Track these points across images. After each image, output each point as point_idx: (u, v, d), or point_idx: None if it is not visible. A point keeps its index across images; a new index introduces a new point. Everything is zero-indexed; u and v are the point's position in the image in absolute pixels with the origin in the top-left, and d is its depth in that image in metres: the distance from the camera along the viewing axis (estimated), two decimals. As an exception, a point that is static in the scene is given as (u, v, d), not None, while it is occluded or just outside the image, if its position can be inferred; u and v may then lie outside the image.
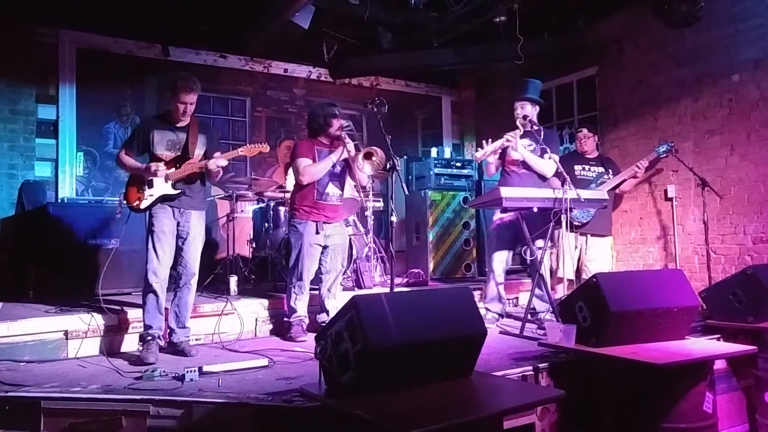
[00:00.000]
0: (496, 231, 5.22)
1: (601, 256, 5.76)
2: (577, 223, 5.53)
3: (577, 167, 5.75)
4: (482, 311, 4.14)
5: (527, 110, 5.15)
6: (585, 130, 5.93)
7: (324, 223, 4.75)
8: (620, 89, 7.13)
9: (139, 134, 4.29)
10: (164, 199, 4.16)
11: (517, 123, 5.13)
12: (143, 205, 4.15)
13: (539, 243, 4.89)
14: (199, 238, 4.31)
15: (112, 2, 6.66)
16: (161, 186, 4.15)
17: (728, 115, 6.02)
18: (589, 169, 5.80)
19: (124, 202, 4.25)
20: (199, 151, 4.27)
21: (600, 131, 7.38)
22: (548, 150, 4.84)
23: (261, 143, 4.48)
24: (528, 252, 4.85)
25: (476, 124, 9.31)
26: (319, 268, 4.83)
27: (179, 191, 4.18)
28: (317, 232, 4.70)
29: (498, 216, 5.18)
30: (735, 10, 5.95)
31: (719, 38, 6.07)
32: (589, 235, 5.71)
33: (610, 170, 5.88)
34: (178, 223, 4.23)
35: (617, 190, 6.04)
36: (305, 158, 4.71)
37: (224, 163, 4.21)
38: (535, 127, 4.98)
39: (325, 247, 4.79)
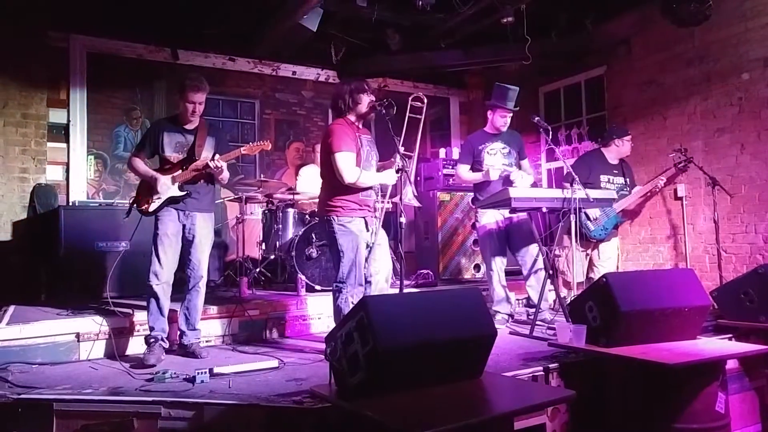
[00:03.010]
0: (488, 235, 5.25)
1: (610, 258, 5.77)
2: (593, 240, 5.58)
3: (603, 178, 5.66)
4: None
5: (509, 117, 5.30)
6: (630, 136, 5.85)
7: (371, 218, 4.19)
8: (629, 89, 7.11)
9: (150, 136, 4.30)
10: (171, 201, 4.18)
11: (502, 129, 5.31)
12: (152, 208, 4.16)
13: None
14: (206, 240, 4.30)
15: (122, 7, 6.71)
16: (169, 189, 4.16)
17: (738, 114, 5.99)
18: (612, 181, 5.71)
19: (135, 205, 4.27)
20: (206, 153, 4.24)
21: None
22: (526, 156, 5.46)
23: (263, 141, 4.44)
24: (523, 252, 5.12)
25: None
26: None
27: (185, 193, 4.18)
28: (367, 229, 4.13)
29: (485, 221, 5.25)
30: (744, 8, 5.92)
31: (729, 37, 6.04)
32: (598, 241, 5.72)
33: (628, 179, 5.83)
34: (184, 226, 4.23)
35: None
36: (349, 152, 4.00)
37: (221, 164, 4.13)
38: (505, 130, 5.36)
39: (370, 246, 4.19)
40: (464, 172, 5.32)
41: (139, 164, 4.27)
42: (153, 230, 4.19)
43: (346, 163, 3.97)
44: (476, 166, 5.28)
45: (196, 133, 4.28)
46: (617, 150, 5.75)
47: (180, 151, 4.25)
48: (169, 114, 5.10)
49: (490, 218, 5.20)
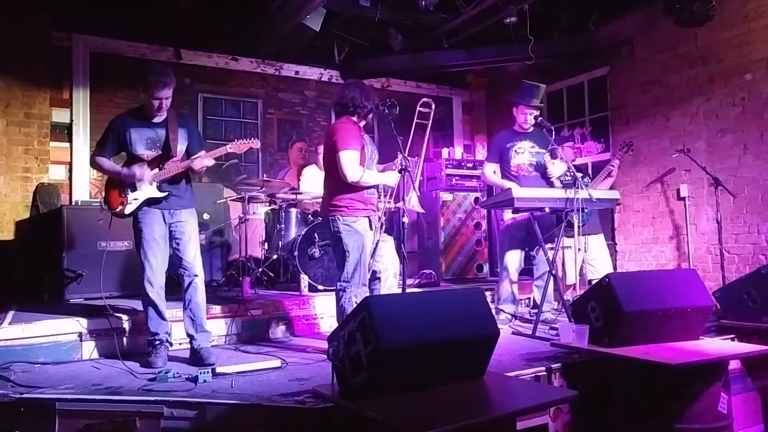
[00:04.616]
0: (508, 231, 5.22)
1: (602, 253, 5.78)
2: (581, 226, 5.55)
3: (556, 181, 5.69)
4: (494, 312, 4.12)
5: (530, 115, 5.19)
6: (572, 143, 6.00)
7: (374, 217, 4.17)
8: (631, 89, 7.10)
9: (113, 134, 3.96)
10: (150, 202, 3.93)
11: (526, 127, 5.20)
12: (128, 210, 3.90)
13: (549, 243, 4.92)
14: (194, 237, 4.06)
15: (125, 6, 6.72)
16: (146, 189, 3.90)
17: (741, 114, 5.98)
18: (569, 174, 5.74)
19: (105, 207, 4.01)
20: (181, 146, 4.00)
21: (611, 131, 7.37)
22: (558, 152, 5.13)
23: (251, 139, 4.19)
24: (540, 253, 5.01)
25: (487, 124, 9.29)
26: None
27: (166, 193, 3.94)
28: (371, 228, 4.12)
29: (510, 216, 5.19)
30: (748, 9, 5.91)
31: (732, 37, 6.04)
32: (586, 236, 5.70)
33: (581, 173, 5.83)
34: (170, 226, 3.99)
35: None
36: (354, 150, 3.95)
37: (210, 163, 3.97)
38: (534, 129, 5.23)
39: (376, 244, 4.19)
40: (489, 172, 5.33)
41: (106, 163, 4.00)
42: (136, 234, 3.96)
43: (350, 161, 3.93)
44: (503, 165, 5.25)
45: (166, 126, 3.99)
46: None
47: (153, 148, 3.96)
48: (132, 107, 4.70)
49: (515, 213, 5.15)
